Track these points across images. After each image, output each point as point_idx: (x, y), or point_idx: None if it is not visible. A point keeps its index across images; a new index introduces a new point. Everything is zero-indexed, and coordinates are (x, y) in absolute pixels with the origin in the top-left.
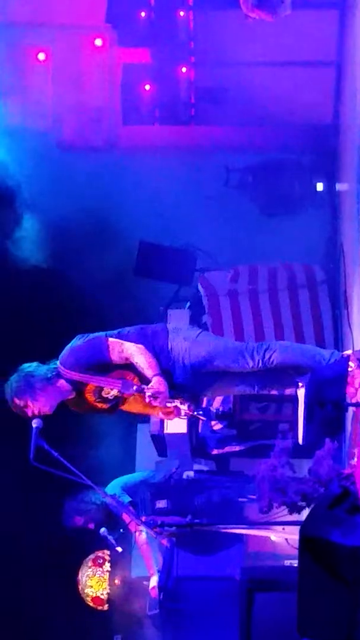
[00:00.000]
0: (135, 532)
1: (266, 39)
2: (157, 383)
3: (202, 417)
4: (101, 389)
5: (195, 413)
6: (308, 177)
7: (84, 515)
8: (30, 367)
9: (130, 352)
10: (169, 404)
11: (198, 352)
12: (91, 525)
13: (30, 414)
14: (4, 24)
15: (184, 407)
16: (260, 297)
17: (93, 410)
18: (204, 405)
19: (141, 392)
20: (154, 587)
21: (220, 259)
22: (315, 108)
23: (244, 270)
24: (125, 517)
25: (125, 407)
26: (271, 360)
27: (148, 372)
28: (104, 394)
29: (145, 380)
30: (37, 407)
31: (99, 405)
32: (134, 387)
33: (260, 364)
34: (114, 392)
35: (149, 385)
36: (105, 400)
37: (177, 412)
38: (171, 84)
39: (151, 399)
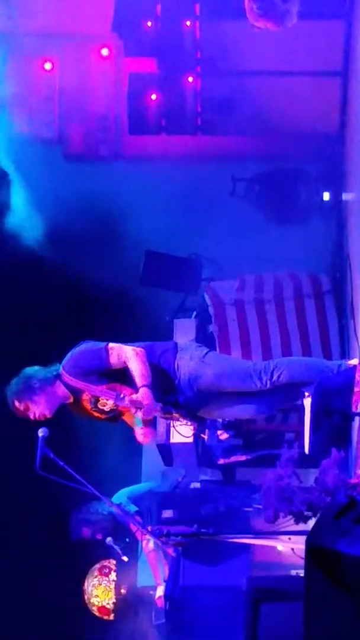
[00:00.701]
0: (142, 541)
1: (272, 48)
2: (142, 394)
3: (204, 436)
4: (97, 399)
5: (200, 434)
6: (314, 187)
7: (91, 526)
8: (31, 370)
9: (128, 355)
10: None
11: (204, 372)
12: (99, 536)
13: (32, 417)
14: (11, 34)
15: (186, 425)
16: (266, 306)
17: (92, 417)
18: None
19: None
20: (160, 597)
21: (226, 268)
22: (322, 117)
23: (250, 279)
24: (132, 527)
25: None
26: (280, 379)
27: (138, 381)
28: (100, 405)
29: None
30: (38, 410)
31: (96, 414)
32: (127, 400)
33: (268, 384)
34: (110, 403)
35: (135, 395)
36: (102, 411)
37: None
38: (177, 94)
39: (134, 408)
